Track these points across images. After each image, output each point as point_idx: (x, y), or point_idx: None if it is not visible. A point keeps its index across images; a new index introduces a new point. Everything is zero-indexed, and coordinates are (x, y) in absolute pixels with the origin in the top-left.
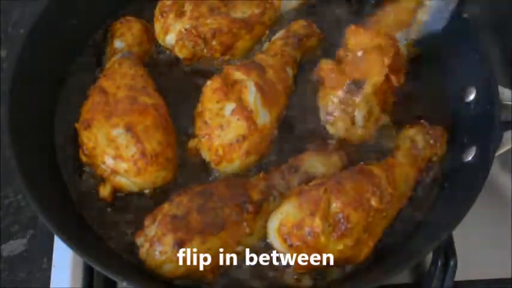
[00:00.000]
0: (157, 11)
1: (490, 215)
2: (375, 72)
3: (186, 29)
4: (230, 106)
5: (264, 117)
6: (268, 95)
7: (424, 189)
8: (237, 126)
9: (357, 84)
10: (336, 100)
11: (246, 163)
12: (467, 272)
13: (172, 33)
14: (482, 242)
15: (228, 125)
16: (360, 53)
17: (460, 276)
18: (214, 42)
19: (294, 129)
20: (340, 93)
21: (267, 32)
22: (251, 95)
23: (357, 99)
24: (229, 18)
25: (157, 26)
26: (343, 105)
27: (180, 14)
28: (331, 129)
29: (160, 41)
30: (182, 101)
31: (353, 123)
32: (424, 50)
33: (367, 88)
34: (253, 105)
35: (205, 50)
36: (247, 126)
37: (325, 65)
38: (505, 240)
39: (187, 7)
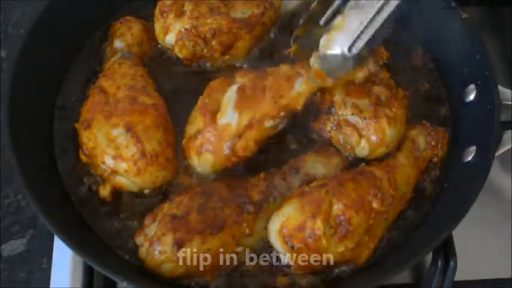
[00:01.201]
0: (157, 11)
1: (490, 215)
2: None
3: (186, 29)
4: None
5: (230, 118)
6: (247, 100)
7: (424, 189)
8: (197, 122)
9: None
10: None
11: (208, 162)
12: (467, 272)
13: (172, 33)
14: (482, 242)
15: (193, 121)
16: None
17: (460, 276)
18: (214, 42)
19: (294, 130)
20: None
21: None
22: (228, 94)
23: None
24: (229, 18)
25: (157, 26)
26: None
27: (180, 14)
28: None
29: (160, 41)
30: (182, 101)
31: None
32: (425, 50)
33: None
34: (223, 104)
35: (205, 50)
36: (203, 121)
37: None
38: (505, 240)
39: (187, 7)
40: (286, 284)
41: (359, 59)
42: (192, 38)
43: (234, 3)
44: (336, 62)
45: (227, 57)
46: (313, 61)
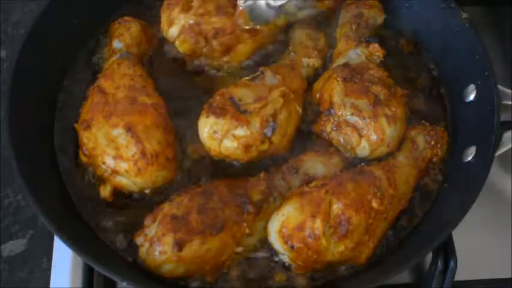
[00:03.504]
0: (165, 2)
1: (490, 215)
2: None
3: (189, 24)
4: None
5: None
6: None
7: (424, 189)
8: None
9: None
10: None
11: None
12: (467, 272)
13: (176, 26)
14: (482, 242)
15: None
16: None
17: (460, 276)
18: (215, 42)
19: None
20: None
21: None
22: None
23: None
24: (234, 20)
25: (163, 17)
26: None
27: (187, 9)
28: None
29: (164, 32)
30: (182, 100)
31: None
32: (425, 49)
33: None
34: None
35: (205, 49)
36: None
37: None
38: (505, 240)
39: (195, 2)
40: (283, 280)
41: (283, 12)
42: (194, 34)
43: None
44: (261, 9)
45: (227, 58)
46: (241, 2)
